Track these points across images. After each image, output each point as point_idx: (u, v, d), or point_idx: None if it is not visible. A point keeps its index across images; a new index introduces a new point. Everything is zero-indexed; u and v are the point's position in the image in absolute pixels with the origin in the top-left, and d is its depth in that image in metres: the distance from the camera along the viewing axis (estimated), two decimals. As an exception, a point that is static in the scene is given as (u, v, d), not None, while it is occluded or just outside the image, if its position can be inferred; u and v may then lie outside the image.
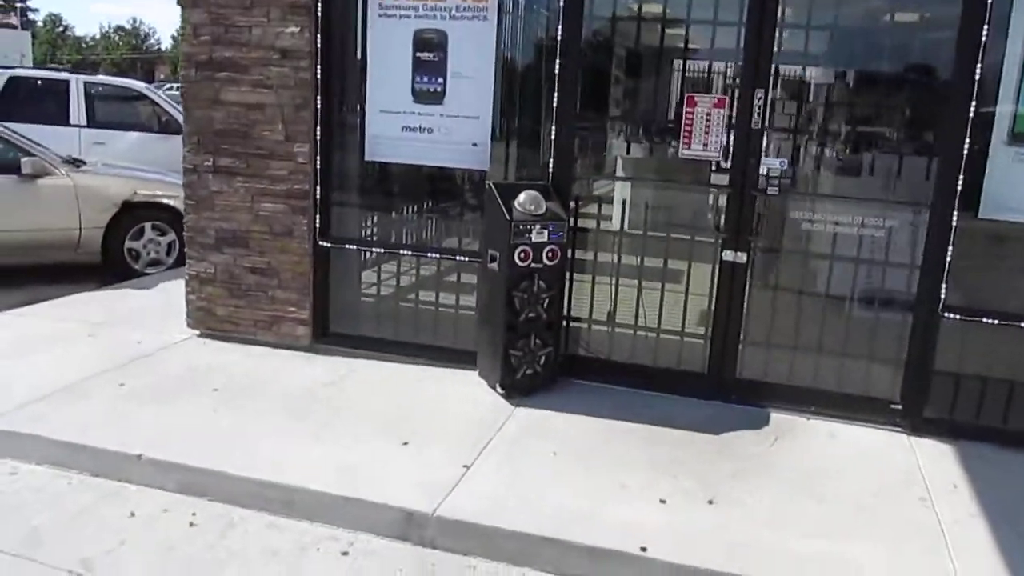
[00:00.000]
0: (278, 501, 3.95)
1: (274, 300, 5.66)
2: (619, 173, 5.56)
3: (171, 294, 6.68)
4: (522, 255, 4.80)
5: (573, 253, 5.14)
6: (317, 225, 5.53)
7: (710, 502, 3.94)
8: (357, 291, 5.93)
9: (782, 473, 4.26)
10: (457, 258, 5.42)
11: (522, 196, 4.86)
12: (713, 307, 5.04)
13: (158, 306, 6.67)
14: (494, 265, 4.90)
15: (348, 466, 4.09)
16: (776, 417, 4.92)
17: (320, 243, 5.55)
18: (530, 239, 4.80)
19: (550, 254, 4.88)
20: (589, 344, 5.38)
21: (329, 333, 5.73)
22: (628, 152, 5.44)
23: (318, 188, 5.48)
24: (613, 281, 5.35)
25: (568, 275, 5.13)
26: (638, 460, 4.30)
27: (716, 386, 5.07)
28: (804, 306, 5.11)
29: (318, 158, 5.44)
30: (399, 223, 5.85)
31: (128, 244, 8.19)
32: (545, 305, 4.94)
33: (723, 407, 5.02)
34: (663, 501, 3.92)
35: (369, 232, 5.92)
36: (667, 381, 5.15)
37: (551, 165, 5.09)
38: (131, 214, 8.16)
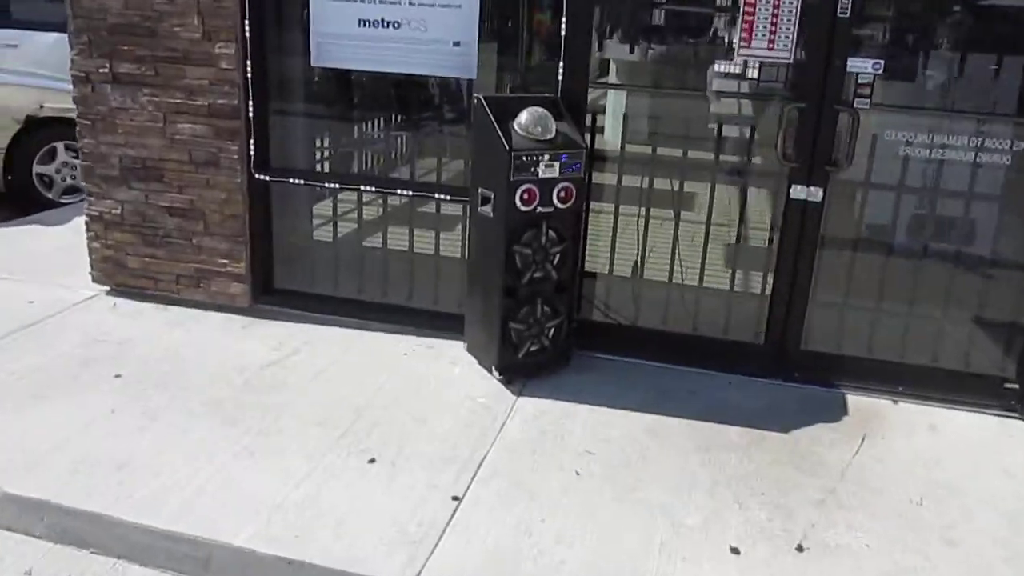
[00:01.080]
0: (191, 558, 2.77)
1: (200, 249, 4.37)
2: (650, 81, 4.26)
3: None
4: (525, 196, 3.54)
5: (590, 190, 3.87)
6: (251, 152, 4.19)
7: (800, 549, 2.81)
8: (308, 237, 4.65)
9: (884, 493, 3.13)
10: (437, 195, 4.14)
11: (524, 115, 3.56)
12: (775, 258, 3.83)
13: (66, 249, 5.32)
14: (487, 209, 3.64)
15: (292, 501, 2.90)
16: (855, 401, 3.78)
17: (256, 176, 4.23)
18: (536, 175, 3.53)
19: (563, 194, 3.61)
20: (610, 306, 4.18)
21: (273, 291, 4.47)
22: (665, 52, 4.12)
23: (250, 103, 4.12)
24: (641, 224, 4.11)
25: (585, 220, 3.87)
26: (691, 479, 3.16)
27: (776, 360, 3.90)
28: (893, 258, 3.93)
29: (248, 63, 4.07)
30: (360, 149, 4.54)
31: (37, 168, 6.75)
32: (556, 262, 3.70)
33: (786, 389, 3.86)
34: (735, 551, 2.79)
35: (321, 161, 4.61)
36: (712, 354, 3.97)
37: (561, 71, 3.77)
38: (39, 132, 6.72)
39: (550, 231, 3.64)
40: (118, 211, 4.42)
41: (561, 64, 3.76)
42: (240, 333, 4.21)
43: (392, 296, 4.39)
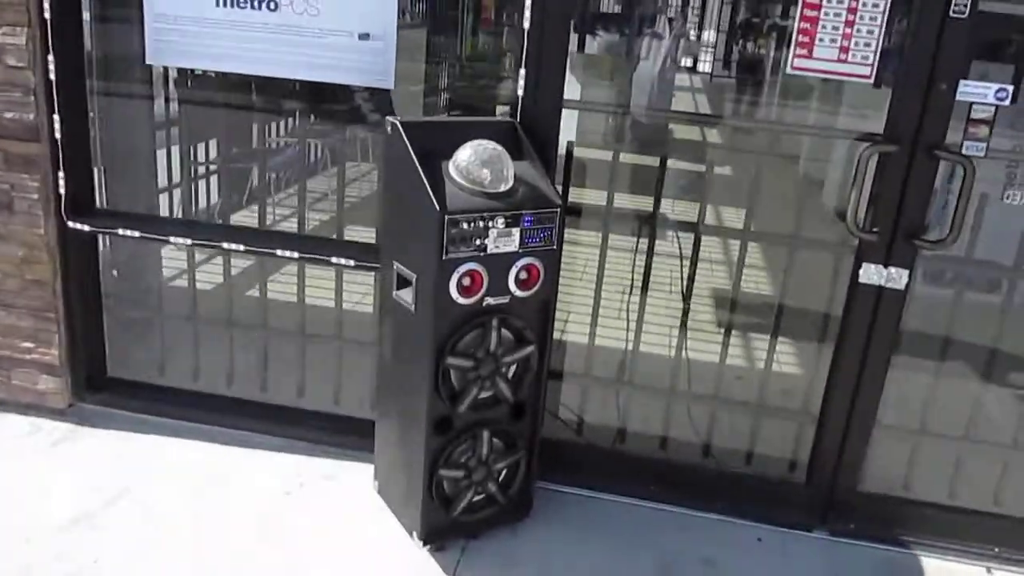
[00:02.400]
0: None
1: (-7, 327, 2.93)
2: (655, 99, 2.93)
3: None
4: (466, 283, 2.19)
5: (559, 264, 2.53)
6: (62, 190, 2.75)
7: None
8: (156, 303, 3.22)
9: None
10: (336, 259, 2.75)
11: (465, 153, 2.21)
12: (828, 362, 2.57)
13: None
14: (406, 296, 2.28)
15: None
16: (934, 568, 2.55)
17: (70, 223, 2.79)
18: (483, 248, 2.19)
19: (524, 275, 2.28)
20: (584, 420, 2.87)
21: (106, 383, 3.01)
22: (676, 60, 2.79)
23: (56, 119, 2.68)
24: (632, 303, 2.81)
25: (553, 307, 2.53)
26: None
27: (823, 505, 2.63)
28: (997, 373, 2.70)
29: (51, 59, 2.62)
30: (228, 185, 3.11)
31: None
32: (512, 374, 2.38)
33: (838, 548, 2.59)
34: None
35: (168, 199, 3.17)
36: (733, 494, 2.69)
37: (522, 80, 2.42)
38: None
39: (504, 330, 2.31)
40: None
41: (523, 71, 2.41)
42: (46, 455, 2.78)
43: (276, 391, 3.01)
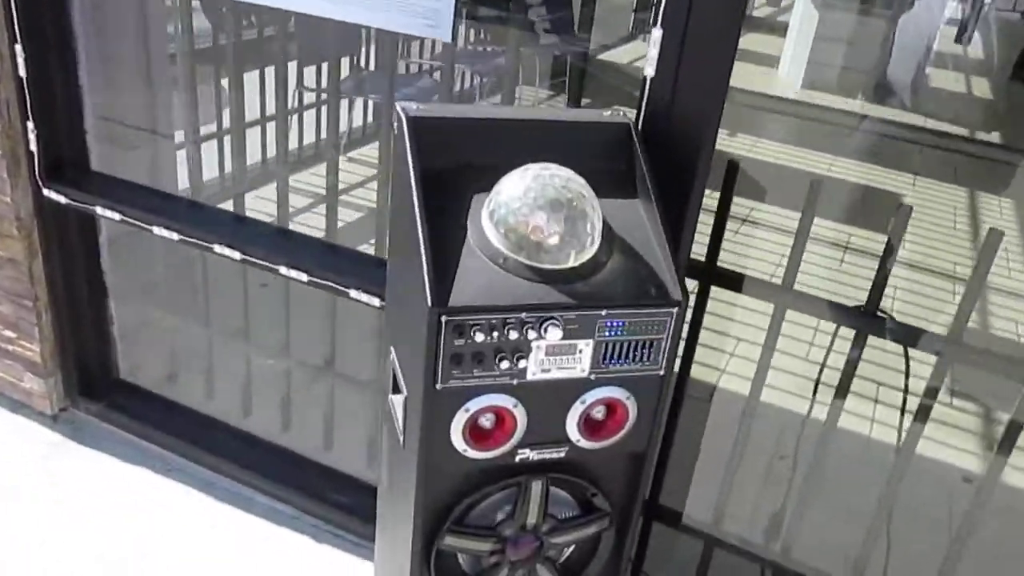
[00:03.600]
0: None
1: (-26, 307, 2.28)
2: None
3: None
4: (485, 426, 1.17)
5: (684, 392, 1.39)
6: (32, 146, 1.99)
7: None
8: (159, 300, 2.44)
9: None
10: (353, 293, 1.80)
11: (513, 186, 1.13)
12: None
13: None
14: (397, 408, 1.30)
15: None
16: None
17: (46, 192, 2.03)
18: (518, 372, 1.15)
19: (599, 415, 1.21)
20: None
21: (111, 386, 2.30)
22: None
23: (19, 50, 1.88)
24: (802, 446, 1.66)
25: (664, 448, 1.45)
26: None
27: None
28: None
29: (7, -33, 1.81)
30: (232, 166, 2.20)
31: None
32: (564, 559, 1.36)
33: None
34: None
35: (165, 177, 2.32)
36: None
37: (654, 52, 1.29)
38: None
39: (553, 490, 1.28)
40: None
41: (656, 32, 1.28)
42: (28, 484, 2.13)
43: (298, 434, 2.17)
